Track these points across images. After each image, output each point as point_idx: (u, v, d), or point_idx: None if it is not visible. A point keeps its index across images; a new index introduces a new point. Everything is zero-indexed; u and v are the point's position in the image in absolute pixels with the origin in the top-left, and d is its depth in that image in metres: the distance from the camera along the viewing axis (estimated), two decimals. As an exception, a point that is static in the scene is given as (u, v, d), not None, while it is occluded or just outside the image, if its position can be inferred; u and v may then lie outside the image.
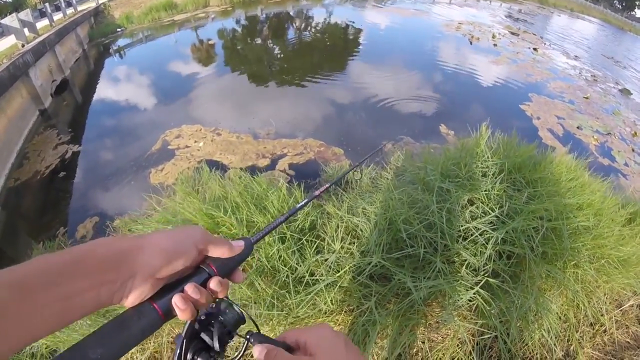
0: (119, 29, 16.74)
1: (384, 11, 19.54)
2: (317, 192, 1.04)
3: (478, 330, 2.15)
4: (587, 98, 9.57)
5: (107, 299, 0.52)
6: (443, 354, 2.12)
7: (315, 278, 2.20)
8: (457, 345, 2.14)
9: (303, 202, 0.95)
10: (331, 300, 2.12)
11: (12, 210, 5.69)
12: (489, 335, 2.12)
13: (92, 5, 18.85)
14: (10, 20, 9.72)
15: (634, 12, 59.23)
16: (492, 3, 26.47)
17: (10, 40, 9.86)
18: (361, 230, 2.48)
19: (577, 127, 7.78)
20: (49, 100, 9.16)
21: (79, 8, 17.32)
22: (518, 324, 2.07)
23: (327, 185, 1.13)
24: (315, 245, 2.38)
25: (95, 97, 9.78)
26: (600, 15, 38.72)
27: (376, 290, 2.18)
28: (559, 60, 13.12)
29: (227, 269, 0.64)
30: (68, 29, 12.88)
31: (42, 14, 13.66)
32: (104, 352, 0.48)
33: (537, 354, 2.22)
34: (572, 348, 2.31)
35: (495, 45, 13.45)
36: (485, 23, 17.50)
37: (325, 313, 2.15)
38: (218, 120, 7.25)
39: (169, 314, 0.56)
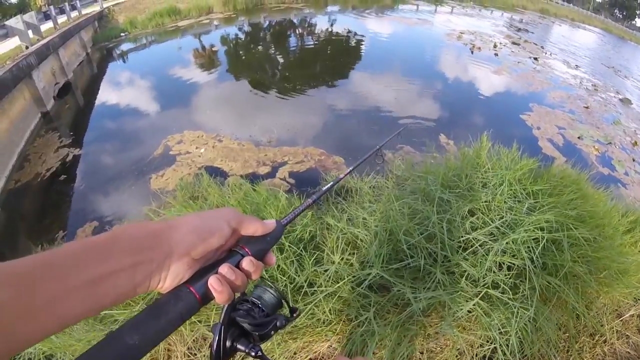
0: (122, 34, 16.78)
1: (386, 20, 19.64)
2: (342, 176, 1.10)
3: (477, 341, 2.14)
4: (587, 107, 9.59)
5: (143, 281, 0.51)
6: (442, 364, 2.12)
7: (314, 289, 2.19)
8: (456, 356, 2.13)
9: (330, 185, 0.98)
10: (330, 310, 2.12)
11: (12, 212, 5.69)
12: (488, 347, 2.11)
13: (97, 9, 18.95)
14: (15, 22, 9.76)
15: (634, 22, 59.57)
16: (493, 13, 26.63)
17: (15, 41, 9.89)
18: (361, 240, 2.47)
19: (578, 137, 7.78)
20: (52, 103, 9.17)
21: (84, 12, 17.40)
22: (517, 335, 2.06)
23: (351, 169, 1.19)
24: (314, 256, 2.38)
25: (98, 100, 9.79)
26: (601, 24, 38.92)
27: (375, 301, 2.17)
28: (560, 70, 13.17)
29: (260, 251, 0.63)
30: (72, 32, 12.93)
31: (47, 17, 13.69)
32: (141, 337, 0.47)
33: (536, 365, 2.22)
34: (571, 359, 2.30)
35: (496, 54, 13.51)
36: (486, 32, 17.59)
37: (324, 323, 2.15)
38: (220, 126, 7.26)
39: (206, 297, 0.55)
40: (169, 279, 0.53)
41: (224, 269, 0.57)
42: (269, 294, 0.64)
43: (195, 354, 2.18)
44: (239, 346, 0.58)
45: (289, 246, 2.38)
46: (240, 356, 0.61)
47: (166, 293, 0.54)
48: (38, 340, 0.42)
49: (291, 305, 0.68)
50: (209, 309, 2.15)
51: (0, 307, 0.39)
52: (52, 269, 0.43)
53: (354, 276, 2.22)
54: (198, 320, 2.16)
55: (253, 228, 0.63)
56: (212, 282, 0.55)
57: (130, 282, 0.49)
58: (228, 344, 0.58)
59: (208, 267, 0.57)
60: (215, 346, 0.57)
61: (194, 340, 2.22)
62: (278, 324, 0.61)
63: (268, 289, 0.65)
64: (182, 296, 0.53)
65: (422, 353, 2.13)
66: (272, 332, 0.61)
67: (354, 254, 2.41)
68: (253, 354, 0.58)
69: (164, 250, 0.52)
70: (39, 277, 0.42)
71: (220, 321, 0.58)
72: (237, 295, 0.60)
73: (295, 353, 2.15)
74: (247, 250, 0.61)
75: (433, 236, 2.35)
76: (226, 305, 0.59)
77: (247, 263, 0.59)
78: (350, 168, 1.18)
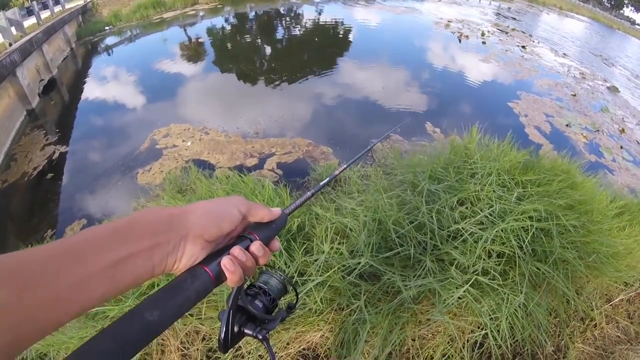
0: (107, 27, 16.54)
1: (373, 9, 19.54)
2: (337, 172, 1.13)
3: (468, 327, 2.15)
4: (574, 95, 9.66)
5: (160, 263, 0.53)
6: (434, 351, 2.13)
7: (304, 278, 2.18)
8: (448, 342, 2.14)
9: (326, 180, 1.01)
10: (321, 300, 2.11)
11: (0, 212, 5.61)
12: (479, 332, 2.12)
13: (80, 3, 18.63)
14: (-3, 19, 9.58)
15: (622, 11, 60.07)
16: (481, 1, 26.63)
17: (-3, 39, 9.72)
18: (350, 230, 2.47)
19: (567, 125, 7.84)
20: (37, 100, 9.04)
21: (67, 6, 17.08)
22: (508, 321, 2.07)
23: (345, 167, 1.22)
24: (304, 246, 2.37)
25: (83, 96, 9.64)
26: (590, 13, 39.22)
27: (366, 289, 2.17)
28: (548, 58, 13.24)
29: (267, 237, 0.66)
30: (56, 27, 12.71)
31: (30, 12, 13.46)
32: (160, 313, 0.49)
33: (527, 349, 2.24)
34: (562, 343, 2.33)
35: (484, 43, 13.53)
36: (474, 21, 17.61)
37: (316, 312, 2.15)
38: (206, 119, 7.20)
39: (219, 278, 0.57)
40: (184, 260, 0.56)
41: (236, 250, 0.59)
42: (274, 279, 0.69)
43: (188, 348, 2.18)
44: (246, 331, 0.62)
45: (278, 237, 2.37)
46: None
47: (182, 272, 0.56)
48: (62, 325, 0.43)
49: (297, 291, 0.72)
50: (200, 303, 2.14)
51: (27, 293, 0.40)
52: (75, 254, 0.45)
53: (344, 265, 2.21)
54: (190, 314, 2.15)
55: (261, 214, 0.67)
56: (225, 262, 0.57)
57: (148, 263, 0.51)
58: (236, 329, 0.61)
59: (220, 250, 0.60)
60: (223, 332, 0.60)
61: (186, 334, 2.21)
62: (281, 318, 0.66)
63: (274, 274, 0.69)
64: (197, 275, 0.55)
65: (413, 340, 2.14)
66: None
67: (343, 243, 2.41)
68: (260, 337, 0.61)
69: (179, 232, 0.55)
70: (63, 262, 0.44)
71: (229, 306, 0.61)
72: (247, 280, 0.62)
73: (288, 343, 2.15)
74: (255, 235, 0.64)
75: (422, 226, 2.35)
76: (233, 291, 0.61)
77: (256, 247, 0.62)
78: (345, 165, 1.23)
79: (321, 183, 0.97)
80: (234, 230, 0.63)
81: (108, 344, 0.44)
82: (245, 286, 0.66)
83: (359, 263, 2.17)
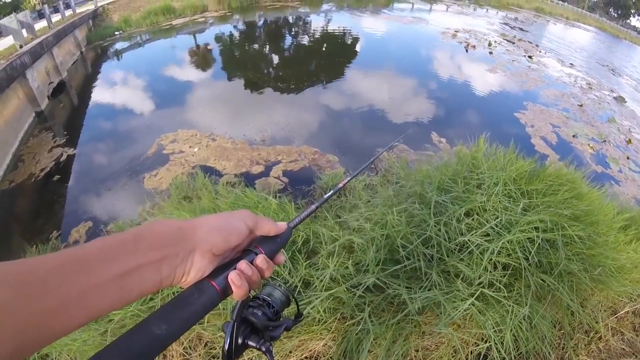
0: (117, 32, 16.66)
1: (381, 18, 19.61)
2: (341, 184, 1.12)
3: (472, 339, 2.14)
4: (581, 106, 9.62)
5: (169, 275, 0.53)
6: (437, 362, 2.12)
7: (309, 292, 2.18)
8: (451, 354, 2.13)
9: (330, 193, 1.01)
10: (324, 310, 2.11)
11: (6, 212, 5.66)
12: (483, 345, 2.11)
13: (91, 7, 18.78)
14: (9, 21, 9.67)
15: (629, 20, 59.86)
16: (488, 11, 26.67)
17: (8, 41, 9.82)
18: (357, 245, 2.46)
19: (573, 136, 7.81)
20: (46, 102, 9.12)
21: (78, 10, 17.24)
22: (512, 333, 2.06)
23: (349, 178, 1.20)
24: (308, 260, 2.36)
25: (92, 100, 9.73)
26: (596, 23, 39.09)
27: (370, 300, 2.16)
28: (554, 68, 13.21)
29: (271, 251, 0.67)
30: (66, 31, 12.83)
31: (41, 16, 13.61)
32: (168, 327, 0.50)
33: (531, 362, 2.22)
34: (567, 355, 2.31)
35: (491, 53, 13.52)
36: (481, 31, 17.61)
37: (319, 321, 2.14)
38: (213, 125, 7.24)
39: (225, 291, 0.58)
40: (192, 273, 0.56)
41: (242, 265, 0.60)
42: (278, 291, 0.70)
43: (191, 354, 2.18)
44: (250, 342, 0.63)
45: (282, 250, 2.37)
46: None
47: (189, 286, 0.57)
48: (67, 333, 0.44)
49: (299, 304, 0.73)
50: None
51: (33, 299, 0.41)
52: (83, 264, 0.46)
53: (349, 280, 2.21)
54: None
55: (267, 228, 0.67)
56: (232, 276, 0.58)
57: (156, 276, 0.52)
58: (239, 341, 0.61)
59: (227, 264, 0.60)
60: (227, 344, 0.60)
61: (189, 340, 2.21)
62: (286, 326, 0.67)
63: (277, 287, 0.71)
64: (204, 289, 0.56)
65: (417, 351, 2.13)
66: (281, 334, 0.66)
67: (349, 257, 2.40)
68: (263, 349, 0.62)
69: (188, 245, 0.56)
70: (70, 271, 0.44)
71: (233, 318, 0.62)
72: (252, 292, 0.63)
73: (290, 352, 2.14)
74: (260, 249, 0.65)
75: (429, 239, 2.34)
76: (238, 304, 0.62)
77: (260, 260, 0.62)
78: (349, 177, 1.22)
79: (325, 196, 0.97)
80: (241, 244, 0.64)
81: (115, 357, 0.45)
82: (249, 299, 0.67)
83: (366, 279, 2.16)
